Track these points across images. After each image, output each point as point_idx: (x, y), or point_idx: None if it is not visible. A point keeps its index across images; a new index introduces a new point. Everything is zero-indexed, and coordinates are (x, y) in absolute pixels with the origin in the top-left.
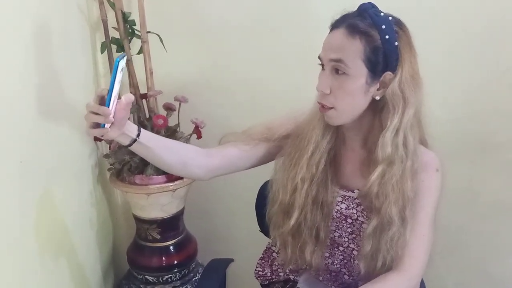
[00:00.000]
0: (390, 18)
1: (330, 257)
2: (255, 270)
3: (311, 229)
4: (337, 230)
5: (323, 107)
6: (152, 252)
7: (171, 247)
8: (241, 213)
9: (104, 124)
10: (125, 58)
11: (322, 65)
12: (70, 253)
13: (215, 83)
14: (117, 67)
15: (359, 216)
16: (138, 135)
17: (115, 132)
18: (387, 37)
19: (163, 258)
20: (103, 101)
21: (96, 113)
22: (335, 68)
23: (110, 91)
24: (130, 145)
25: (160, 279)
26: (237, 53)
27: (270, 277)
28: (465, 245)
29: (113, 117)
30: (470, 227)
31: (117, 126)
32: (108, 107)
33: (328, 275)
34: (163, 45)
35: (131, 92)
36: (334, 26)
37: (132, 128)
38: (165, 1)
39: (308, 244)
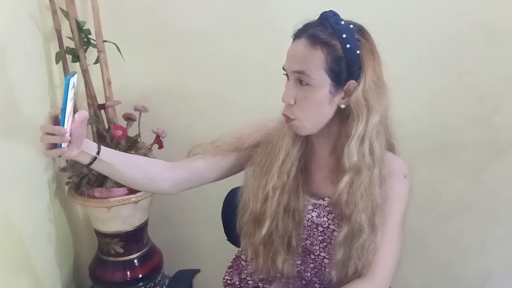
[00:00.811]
0: (352, 26)
1: (303, 264)
2: (223, 278)
3: (282, 237)
4: (308, 238)
5: (288, 118)
6: (116, 267)
7: (135, 261)
8: (207, 222)
9: (61, 144)
10: (75, 76)
11: (287, 75)
12: (29, 271)
13: (176, 91)
14: (69, 85)
15: (330, 224)
16: (98, 153)
17: (73, 151)
18: (348, 46)
19: (128, 272)
20: (57, 121)
21: (52, 134)
22: (299, 79)
23: (64, 109)
24: (91, 163)
25: None
26: (197, 60)
27: (238, 285)
28: (429, 246)
29: (70, 136)
30: (434, 227)
31: (74, 144)
32: (63, 126)
33: (299, 283)
34: (121, 54)
35: (88, 103)
36: (296, 36)
37: (91, 146)
38: (122, 10)
39: (279, 253)
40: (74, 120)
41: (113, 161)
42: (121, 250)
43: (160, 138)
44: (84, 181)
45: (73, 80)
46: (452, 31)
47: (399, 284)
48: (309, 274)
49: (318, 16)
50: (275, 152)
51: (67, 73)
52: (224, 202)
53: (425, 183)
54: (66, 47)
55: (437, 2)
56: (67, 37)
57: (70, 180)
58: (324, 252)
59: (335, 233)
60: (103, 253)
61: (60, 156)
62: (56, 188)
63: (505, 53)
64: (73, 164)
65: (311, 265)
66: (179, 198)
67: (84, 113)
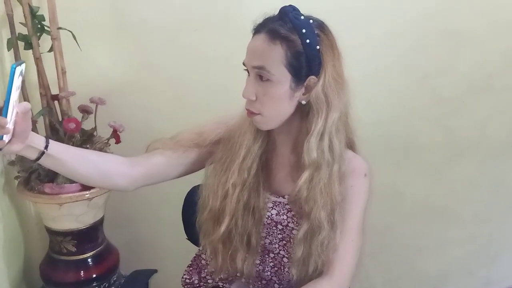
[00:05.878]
0: (311, 21)
1: (261, 264)
2: (182, 277)
3: (242, 235)
4: (267, 236)
5: (251, 113)
6: (68, 266)
7: (89, 260)
8: (167, 220)
9: (2, 136)
10: (23, 65)
11: (248, 70)
12: None
13: (136, 84)
14: (14, 75)
15: (289, 222)
16: (46, 147)
17: (17, 146)
18: (308, 41)
19: (81, 272)
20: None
21: None
22: (259, 74)
23: (7, 100)
24: (38, 158)
25: None
26: (158, 52)
27: (197, 285)
28: (391, 244)
29: (13, 129)
30: (396, 227)
31: (19, 138)
32: (5, 117)
33: (259, 283)
34: (77, 43)
35: (41, 93)
36: (256, 30)
37: (38, 140)
38: None
39: (239, 251)
40: (18, 114)
41: (63, 156)
42: (74, 249)
43: (118, 132)
44: (33, 176)
45: (20, 68)
46: (416, 34)
47: (362, 283)
48: (268, 273)
49: (277, 11)
50: (236, 149)
51: (18, 60)
52: (184, 201)
53: (388, 183)
54: (19, 33)
55: (403, 6)
56: (20, 23)
57: (19, 174)
58: (284, 250)
59: (294, 231)
60: (54, 252)
61: (0, 149)
62: (4, 183)
63: (466, 58)
64: (22, 158)
65: (271, 264)
66: (138, 195)
67: (25, 105)
